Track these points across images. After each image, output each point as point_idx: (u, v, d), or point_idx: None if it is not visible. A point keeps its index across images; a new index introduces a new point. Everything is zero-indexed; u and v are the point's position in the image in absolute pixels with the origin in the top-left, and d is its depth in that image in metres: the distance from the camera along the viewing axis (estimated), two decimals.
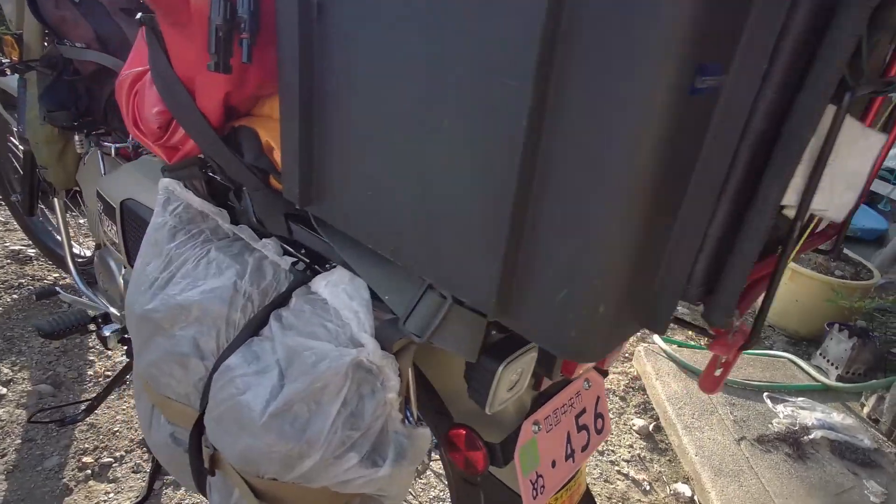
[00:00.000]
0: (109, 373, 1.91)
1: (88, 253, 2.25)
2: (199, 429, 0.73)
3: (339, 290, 0.69)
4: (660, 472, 1.89)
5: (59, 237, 2.30)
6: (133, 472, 1.60)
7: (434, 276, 0.54)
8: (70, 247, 1.75)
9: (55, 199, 1.71)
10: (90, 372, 1.91)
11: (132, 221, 1.19)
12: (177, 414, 0.76)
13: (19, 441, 1.63)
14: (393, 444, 0.66)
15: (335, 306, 0.69)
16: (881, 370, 2.42)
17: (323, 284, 0.72)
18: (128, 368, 1.63)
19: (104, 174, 1.36)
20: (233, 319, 0.74)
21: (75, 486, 1.53)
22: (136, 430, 1.72)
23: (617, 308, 0.46)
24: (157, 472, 1.56)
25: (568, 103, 0.41)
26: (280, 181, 0.73)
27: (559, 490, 0.85)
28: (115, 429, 1.71)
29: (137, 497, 1.51)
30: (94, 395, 1.69)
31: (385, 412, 0.65)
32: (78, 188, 1.61)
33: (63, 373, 1.89)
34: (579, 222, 0.43)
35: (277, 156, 0.71)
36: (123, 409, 1.78)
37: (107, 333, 1.39)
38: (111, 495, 1.52)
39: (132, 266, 1.24)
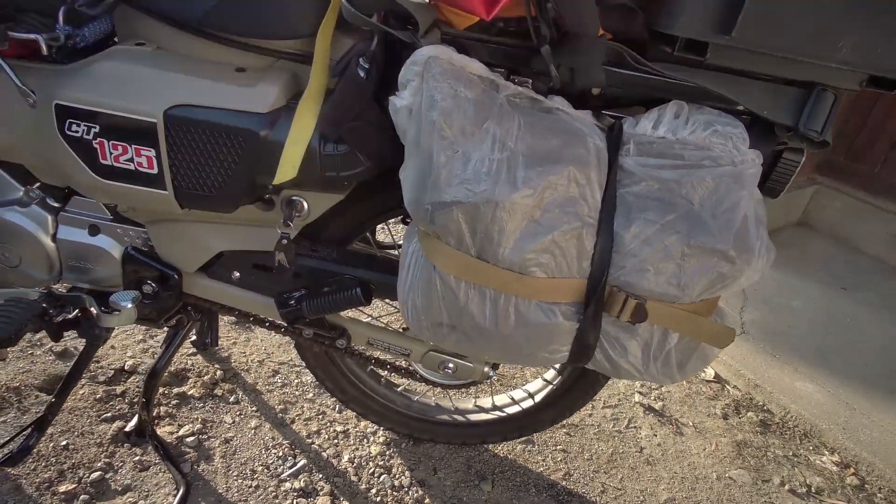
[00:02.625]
0: (15, 383, 1.34)
1: None
2: (598, 296, 0.72)
3: (688, 120, 0.76)
4: None
5: None
6: (141, 470, 1.26)
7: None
8: None
9: None
10: None
11: (191, 134, 0.86)
12: (561, 290, 0.72)
13: None
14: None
15: (686, 137, 0.75)
16: None
17: (651, 123, 0.77)
18: (86, 357, 1.20)
19: (31, 86, 0.89)
20: (594, 177, 0.73)
21: None
22: (91, 434, 1.31)
23: None
24: (170, 455, 1.28)
25: None
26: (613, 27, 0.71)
27: None
28: (63, 443, 1.28)
29: (177, 489, 1.23)
30: (40, 413, 1.21)
31: None
32: None
33: None
34: None
35: None
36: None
37: (127, 304, 1.00)
38: (141, 503, 1.20)
39: (182, 195, 0.92)
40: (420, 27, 0.72)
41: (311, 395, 1.55)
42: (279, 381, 1.57)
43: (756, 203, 0.76)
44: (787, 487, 1.56)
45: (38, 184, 1.07)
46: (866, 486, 1.59)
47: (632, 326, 0.76)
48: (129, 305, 1.02)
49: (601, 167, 0.73)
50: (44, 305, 1.05)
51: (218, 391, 1.49)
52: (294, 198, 0.97)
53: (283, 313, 1.05)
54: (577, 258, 0.73)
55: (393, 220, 1.13)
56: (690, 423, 1.71)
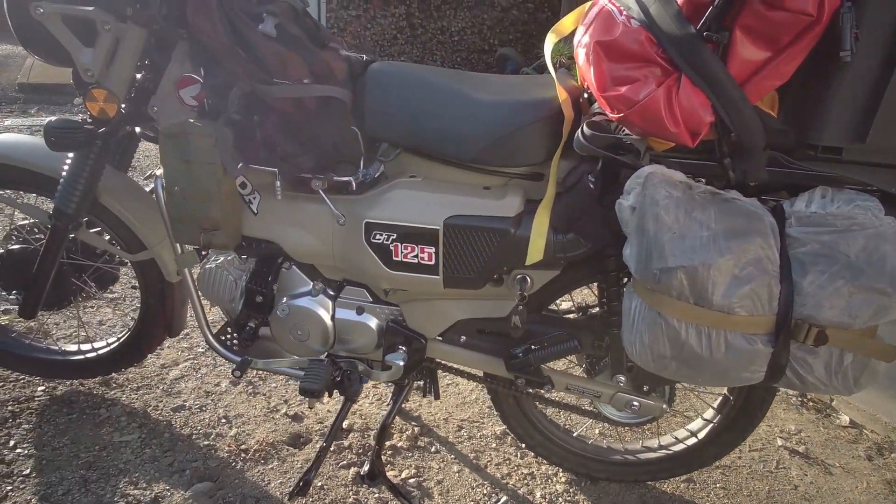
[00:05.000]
0: (270, 440, 1.70)
1: (92, 346, 1.85)
2: (786, 327, 1.01)
3: (833, 200, 1.05)
4: None
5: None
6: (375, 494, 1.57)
7: None
8: (208, 322, 1.51)
9: (186, 271, 1.45)
10: (217, 453, 1.67)
11: (462, 235, 1.23)
12: (759, 324, 1.01)
13: None
14: None
15: (834, 211, 1.05)
16: None
17: (804, 203, 1.07)
18: (344, 411, 1.54)
19: (340, 214, 1.30)
20: (773, 243, 1.03)
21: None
22: (336, 478, 1.63)
23: None
24: (401, 492, 1.57)
25: None
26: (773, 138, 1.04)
27: None
28: (319, 484, 1.60)
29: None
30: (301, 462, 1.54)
31: None
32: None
33: (197, 465, 1.62)
34: None
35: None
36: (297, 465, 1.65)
37: (399, 362, 1.36)
38: None
39: (448, 278, 1.27)
40: (640, 153, 1.08)
41: (494, 444, 1.83)
42: (465, 434, 1.86)
43: None
44: None
45: (320, 278, 1.47)
46: None
47: (815, 349, 1.03)
48: (401, 363, 1.37)
49: (776, 236, 1.04)
50: (339, 368, 1.42)
51: (420, 443, 1.80)
52: (522, 275, 1.31)
53: (512, 364, 1.37)
54: (768, 300, 1.02)
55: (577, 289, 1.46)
56: (837, 465, 1.86)
